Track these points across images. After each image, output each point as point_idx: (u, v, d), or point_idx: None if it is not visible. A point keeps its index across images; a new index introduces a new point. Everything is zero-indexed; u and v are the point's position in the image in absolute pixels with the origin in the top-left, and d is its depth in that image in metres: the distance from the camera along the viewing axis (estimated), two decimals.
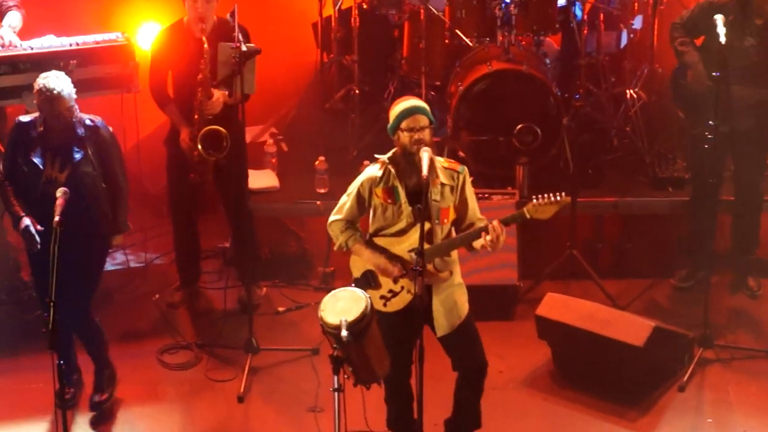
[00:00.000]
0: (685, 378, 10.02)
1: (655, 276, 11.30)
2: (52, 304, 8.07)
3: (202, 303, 11.22)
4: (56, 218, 8.62)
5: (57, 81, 9.33)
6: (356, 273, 8.92)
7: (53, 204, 8.85)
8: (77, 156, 9.46)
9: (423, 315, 8.52)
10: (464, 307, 8.85)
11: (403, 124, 8.46)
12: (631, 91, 12.24)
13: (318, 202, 11.49)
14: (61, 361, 8.08)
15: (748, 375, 10.17)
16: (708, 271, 10.33)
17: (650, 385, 10.01)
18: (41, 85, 9.30)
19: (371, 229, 8.74)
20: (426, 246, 8.40)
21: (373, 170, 8.69)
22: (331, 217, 8.84)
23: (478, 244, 8.53)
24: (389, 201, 8.60)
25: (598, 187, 11.65)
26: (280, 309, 11.10)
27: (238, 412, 9.94)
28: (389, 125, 8.58)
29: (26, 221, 9.14)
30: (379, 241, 8.69)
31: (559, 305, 10.23)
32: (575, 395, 10.02)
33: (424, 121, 8.46)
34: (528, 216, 8.53)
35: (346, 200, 8.74)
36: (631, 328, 9.92)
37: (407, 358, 8.47)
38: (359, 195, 8.68)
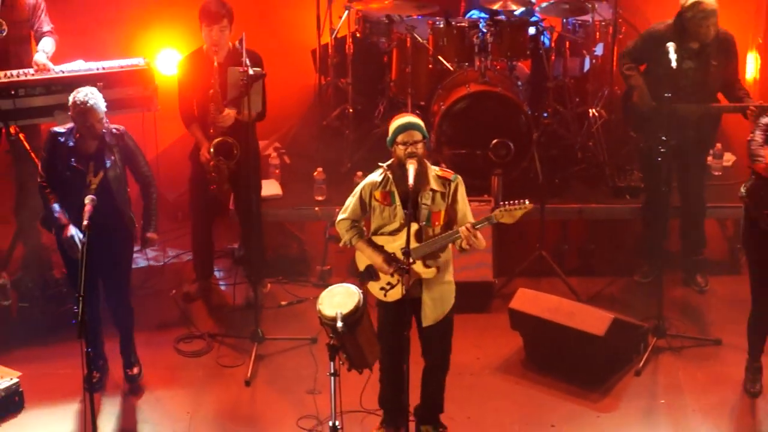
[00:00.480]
0: (641, 364, 10.10)
1: (615, 274, 11.35)
2: (81, 298, 8.08)
3: (213, 297, 11.22)
4: (85, 222, 8.71)
5: (90, 95, 9.37)
6: (360, 267, 8.99)
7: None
8: (108, 162, 9.52)
9: (412, 306, 8.71)
10: (449, 303, 8.94)
11: (399, 138, 8.56)
12: (593, 111, 12.25)
13: (316, 208, 11.51)
14: (89, 349, 8.11)
15: (696, 361, 10.22)
16: (660, 269, 10.36)
17: (610, 370, 10.08)
18: (76, 99, 9.35)
19: (372, 228, 8.83)
20: (416, 245, 8.58)
21: (374, 176, 8.79)
22: (339, 216, 8.93)
23: (463, 244, 8.61)
24: (386, 203, 8.71)
25: (564, 196, 11.65)
26: (283, 303, 11.12)
27: (246, 394, 9.96)
28: (388, 138, 8.66)
29: (72, 230, 9.11)
30: (378, 239, 8.78)
31: (529, 299, 10.27)
32: (543, 379, 10.07)
33: (417, 136, 8.55)
34: (495, 220, 8.62)
35: (351, 201, 8.84)
36: (593, 320, 9.97)
37: (403, 343, 8.50)
38: (361, 197, 8.78)
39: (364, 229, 8.97)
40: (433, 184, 8.69)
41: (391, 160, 8.79)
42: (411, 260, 8.46)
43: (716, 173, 11.74)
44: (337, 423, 8.53)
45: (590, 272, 11.45)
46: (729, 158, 11.99)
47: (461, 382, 9.84)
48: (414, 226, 8.59)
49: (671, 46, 10.02)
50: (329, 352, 8.39)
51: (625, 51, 10.78)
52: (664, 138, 10.04)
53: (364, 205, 8.82)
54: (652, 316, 10.36)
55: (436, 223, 8.76)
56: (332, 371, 8.37)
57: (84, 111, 9.36)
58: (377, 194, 8.75)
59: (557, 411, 9.77)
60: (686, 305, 11.03)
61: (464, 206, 8.81)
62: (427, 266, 8.76)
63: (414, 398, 8.81)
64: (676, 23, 10.37)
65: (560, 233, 11.90)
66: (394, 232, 8.76)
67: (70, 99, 9.43)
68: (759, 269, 9.54)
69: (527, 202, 8.60)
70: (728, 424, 9.63)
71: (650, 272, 11.14)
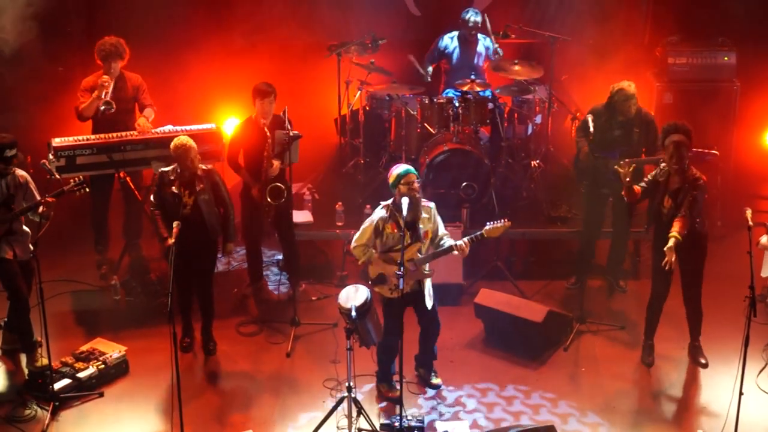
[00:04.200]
0: (568, 342, 10.12)
1: (549, 278, 11.29)
2: (170, 294, 8.16)
3: (264, 294, 11.18)
4: (171, 240, 8.76)
5: (187, 138, 9.55)
6: (372, 275, 9.09)
7: (188, 221, 9.21)
8: (198, 188, 9.62)
9: (413, 300, 8.99)
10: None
11: (403, 181, 8.72)
12: (534, 162, 12.20)
13: (337, 231, 11.48)
14: (177, 329, 8.28)
15: (608, 340, 10.24)
16: (585, 275, 10.43)
17: (545, 347, 10.11)
18: (178, 143, 9.51)
19: (382, 249, 8.93)
20: (419, 256, 8.84)
21: (381, 212, 8.89)
22: (354, 243, 9.01)
23: (461, 253, 8.89)
24: (396, 230, 8.82)
25: (513, 222, 11.41)
26: (313, 298, 11.07)
27: (287, 363, 9.97)
28: (391, 182, 8.80)
29: (171, 242, 8.94)
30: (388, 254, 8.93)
31: (489, 296, 10.30)
32: (498, 353, 10.09)
33: (414, 177, 8.76)
34: (485, 235, 8.89)
35: (365, 232, 8.93)
36: (534, 311, 10.06)
37: (400, 326, 8.60)
38: (376, 228, 8.90)
39: (374, 250, 9.02)
40: (424, 212, 8.87)
41: (392, 198, 8.87)
42: (415, 266, 8.78)
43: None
44: (351, 383, 8.60)
45: (531, 277, 11.35)
46: None
47: (442, 354, 9.88)
48: (417, 244, 8.89)
49: (590, 118, 10.10)
50: (346, 333, 8.52)
51: (579, 125, 10.73)
52: (604, 190, 10.30)
53: (377, 233, 8.91)
54: (576, 308, 10.38)
55: (425, 239, 8.97)
56: (348, 347, 8.46)
57: (185, 150, 9.50)
58: (389, 227, 8.86)
59: (508, 374, 9.80)
60: (601, 301, 10.96)
61: (441, 224, 9.12)
62: (423, 271, 8.99)
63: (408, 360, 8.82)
64: (608, 103, 10.38)
65: (510, 249, 11.83)
66: (393, 249, 8.88)
67: (172, 144, 9.55)
68: (655, 265, 9.54)
69: (506, 220, 8.95)
70: (630, 384, 9.64)
71: (578, 281, 11.06)
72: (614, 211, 10.90)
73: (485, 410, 9.27)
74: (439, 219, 9.14)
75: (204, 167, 9.73)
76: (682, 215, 9.10)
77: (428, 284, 9.17)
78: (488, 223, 8.97)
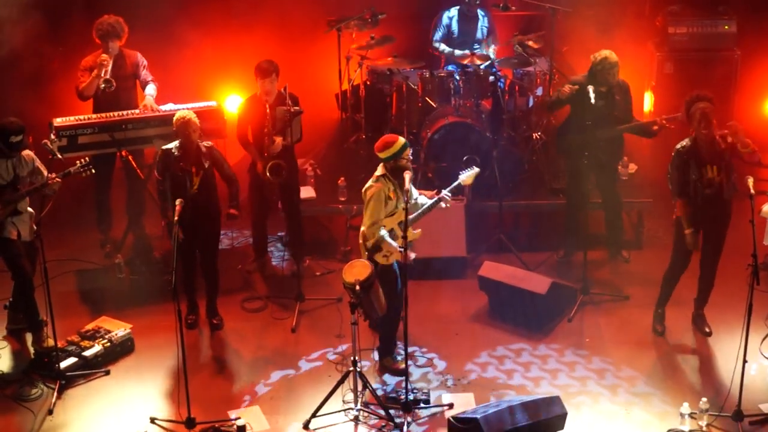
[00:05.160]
0: (572, 314, 10.14)
1: (552, 249, 11.25)
2: (173, 271, 8.24)
3: (268, 270, 11.19)
4: (176, 218, 8.78)
5: (188, 112, 9.55)
6: (370, 245, 9.06)
7: (194, 198, 9.34)
8: (206, 164, 9.63)
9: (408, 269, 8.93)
10: None
11: (404, 154, 8.83)
12: (536, 135, 12.20)
13: (340, 206, 11.53)
14: (182, 306, 8.28)
15: (611, 311, 10.27)
16: (585, 248, 10.28)
17: (550, 318, 10.12)
18: (178, 116, 9.52)
19: (384, 215, 8.92)
20: (411, 216, 8.87)
21: (378, 184, 8.89)
22: (370, 221, 8.91)
23: (447, 204, 9.12)
24: (394, 197, 8.87)
25: (516, 195, 11.61)
26: (317, 273, 11.06)
27: (292, 338, 10.00)
28: (392, 153, 8.85)
29: (175, 219, 8.91)
30: (387, 220, 8.92)
31: (492, 269, 10.29)
32: (502, 325, 10.10)
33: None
34: (462, 184, 9.32)
35: (374, 208, 8.87)
36: (538, 283, 10.07)
37: (400, 295, 8.84)
38: (383, 198, 8.90)
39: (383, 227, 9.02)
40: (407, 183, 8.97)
41: (382, 168, 8.95)
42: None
43: (624, 178, 11.75)
44: (356, 357, 8.64)
45: (535, 249, 11.31)
46: (632, 167, 12.01)
47: (447, 327, 9.93)
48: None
49: (591, 89, 10.10)
50: (350, 308, 8.55)
51: (553, 100, 10.77)
52: (586, 153, 10.10)
53: (385, 203, 8.91)
54: (580, 279, 10.37)
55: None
56: (353, 321, 8.50)
57: (185, 123, 9.48)
58: (391, 194, 8.88)
59: (512, 345, 9.82)
60: (604, 272, 10.97)
61: (413, 187, 9.25)
62: (413, 230, 8.98)
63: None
64: (590, 73, 10.39)
65: (513, 221, 11.88)
66: (395, 214, 8.94)
67: (174, 118, 9.55)
68: (677, 246, 9.58)
69: (476, 168, 9.35)
70: (635, 353, 9.65)
71: (567, 254, 11.08)
72: (599, 183, 10.90)
73: (491, 380, 9.31)
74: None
75: (206, 144, 9.72)
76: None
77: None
78: (460, 173, 9.30)
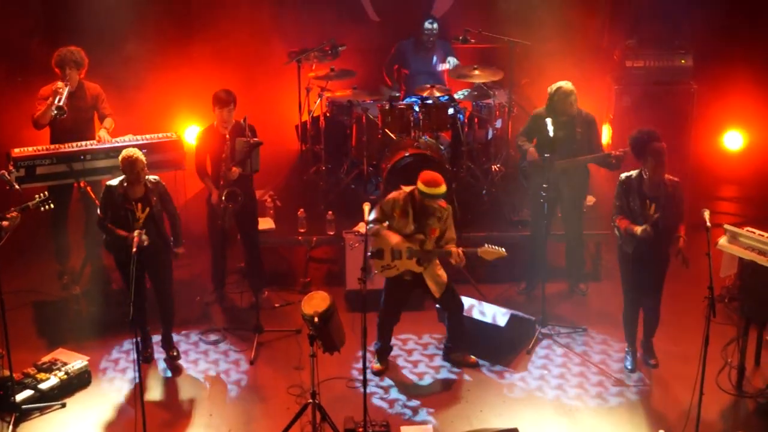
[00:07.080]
0: (530, 345, 10.17)
1: (511, 281, 11.29)
2: (132, 303, 8.21)
3: (227, 302, 11.15)
4: (134, 249, 8.75)
5: (134, 151, 9.47)
6: (374, 248, 9.29)
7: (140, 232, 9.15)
8: (153, 201, 9.58)
9: (421, 285, 9.40)
10: (444, 282, 9.50)
11: (437, 201, 9.28)
12: (495, 166, 12.25)
13: (300, 237, 11.47)
14: (142, 329, 8.68)
15: (568, 342, 10.28)
16: (544, 279, 10.36)
17: (510, 350, 10.13)
18: (125, 154, 9.44)
19: (384, 217, 9.35)
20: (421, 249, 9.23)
21: (395, 194, 9.31)
22: (371, 216, 9.23)
23: (453, 260, 9.27)
24: (401, 217, 9.23)
25: (475, 227, 11.59)
26: (276, 305, 11.03)
27: (251, 370, 9.95)
28: (431, 193, 9.20)
29: (134, 233, 9.04)
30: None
31: None
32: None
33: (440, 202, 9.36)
34: (479, 254, 9.27)
35: (380, 208, 9.34)
36: (497, 315, 10.09)
37: (397, 306, 9.33)
38: (387, 206, 9.31)
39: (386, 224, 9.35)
40: (436, 212, 9.24)
41: (413, 188, 9.34)
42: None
43: (583, 210, 11.77)
44: (315, 389, 8.59)
45: (494, 281, 11.33)
46: (591, 200, 12.03)
47: (402, 359, 9.93)
48: (421, 236, 9.28)
49: (548, 121, 10.17)
50: (309, 340, 8.50)
51: (520, 131, 10.83)
52: (545, 185, 10.15)
53: (387, 213, 9.30)
54: (538, 312, 10.39)
55: (431, 236, 9.34)
56: (311, 353, 8.45)
57: (132, 162, 9.41)
58: (397, 210, 9.20)
59: (473, 376, 9.83)
60: (563, 305, 11.01)
61: (451, 229, 9.47)
62: (418, 264, 9.27)
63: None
64: (548, 105, 10.48)
65: (473, 253, 11.83)
66: (405, 234, 9.31)
67: (120, 156, 9.49)
68: (624, 278, 9.67)
69: (503, 249, 9.31)
70: (591, 385, 9.66)
71: (528, 286, 11.13)
72: (563, 215, 10.96)
73: (447, 414, 9.28)
74: (451, 222, 9.49)
75: (152, 179, 9.69)
76: (682, 222, 9.28)
77: (432, 278, 9.47)
78: (486, 245, 9.33)
